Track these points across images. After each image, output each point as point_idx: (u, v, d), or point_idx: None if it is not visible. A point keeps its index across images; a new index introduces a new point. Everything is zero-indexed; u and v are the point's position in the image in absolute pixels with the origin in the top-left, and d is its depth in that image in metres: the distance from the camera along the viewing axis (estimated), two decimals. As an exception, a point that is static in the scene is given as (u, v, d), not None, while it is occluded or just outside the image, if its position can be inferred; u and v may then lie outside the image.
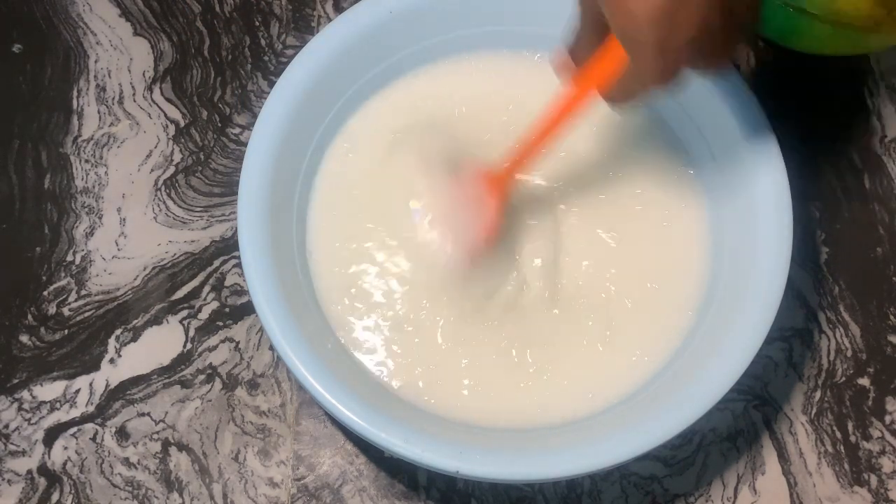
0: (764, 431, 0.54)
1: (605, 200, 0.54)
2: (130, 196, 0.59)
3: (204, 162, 0.60)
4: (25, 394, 0.54)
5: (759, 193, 0.49)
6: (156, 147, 0.60)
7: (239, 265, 0.56)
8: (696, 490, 0.53)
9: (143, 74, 0.62)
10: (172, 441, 0.53)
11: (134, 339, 0.55)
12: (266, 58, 0.63)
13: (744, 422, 0.54)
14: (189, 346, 0.55)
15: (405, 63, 0.55)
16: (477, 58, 0.56)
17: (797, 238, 0.48)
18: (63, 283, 0.57)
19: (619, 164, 0.55)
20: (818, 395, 0.55)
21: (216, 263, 0.57)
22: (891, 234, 0.59)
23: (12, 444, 0.53)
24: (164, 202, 0.59)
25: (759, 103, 0.50)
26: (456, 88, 0.56)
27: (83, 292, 0.57)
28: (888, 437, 0.54)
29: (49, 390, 0.54)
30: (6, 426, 0.54)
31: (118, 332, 0.56)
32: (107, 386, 0.54)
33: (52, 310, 0.56)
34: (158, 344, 0.55)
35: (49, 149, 0.60)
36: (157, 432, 0.53)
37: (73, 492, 0.52)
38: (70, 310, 0.56)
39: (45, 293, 0.57)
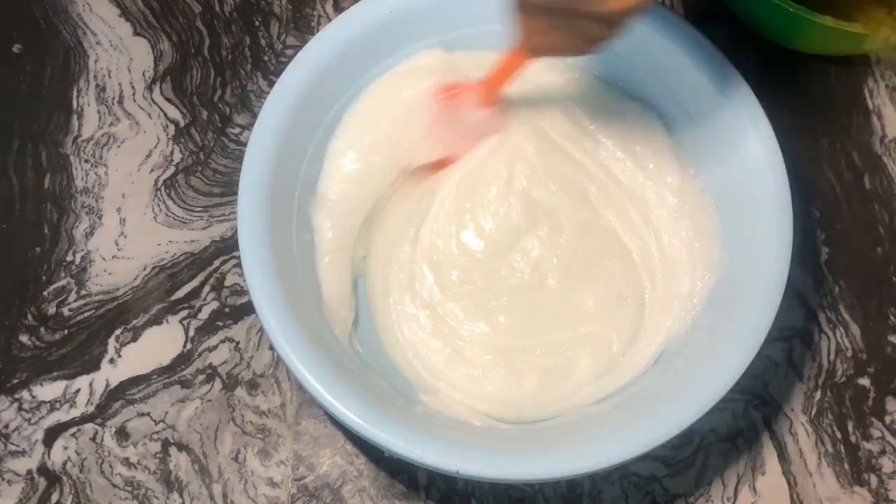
0: (764, 431, 0.54)
1: (605, 202, 0.54)
2: (130, 196, 0.59)
3: (204, 162, 0.60)
4: (25, 394, 0.54)
5: (759, 193, 0.49)
6: (156, 147, 0.60)
7: (239, 265, 0.56)
8: (696, 490, 0.53)
9: (143, 74, 0.62)
10: (172, 441, 0.53)
11: (134, 339, 0.55)
12: (266, 58, 0.63)
13: (744, 422, 0.54)
14: (189, 346, 0.55)
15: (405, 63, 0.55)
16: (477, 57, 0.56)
17: (797, 238, 0.48)
18: (63, 283, 0.57)
19: (618, 165, 0.55)
20: (818, 395, 0.55)
21: (216, 263, 0.57)
22: (891, 234, 0.59)
23: (12, 444, 0.53)
24: (164, 202, 0.59)
25: (759, 103, 0.51)
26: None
27: (83, 292, 0.57)
28: (888, 437, 0.54)
29: (49, 390, 0.54)
30: (6, 426, 0.54)
31: (118, 332, 0.56)
32: (107, 386, 0.54)
33: (52, 310, 0.56)
34: (158, 344, 0.55)
35: (49, 149, 0.60)
36: (157, 432, 0.53)
37: (73, 492, 0.52)
38: (70, 310, 0.56)
39: (45, 293, 0.57)
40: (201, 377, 0.55)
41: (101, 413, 0.54)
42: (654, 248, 0.53)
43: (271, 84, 0.54)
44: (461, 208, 0.52)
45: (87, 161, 0.60)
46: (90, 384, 0.54)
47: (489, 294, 0.51)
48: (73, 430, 0.53)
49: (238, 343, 0.55)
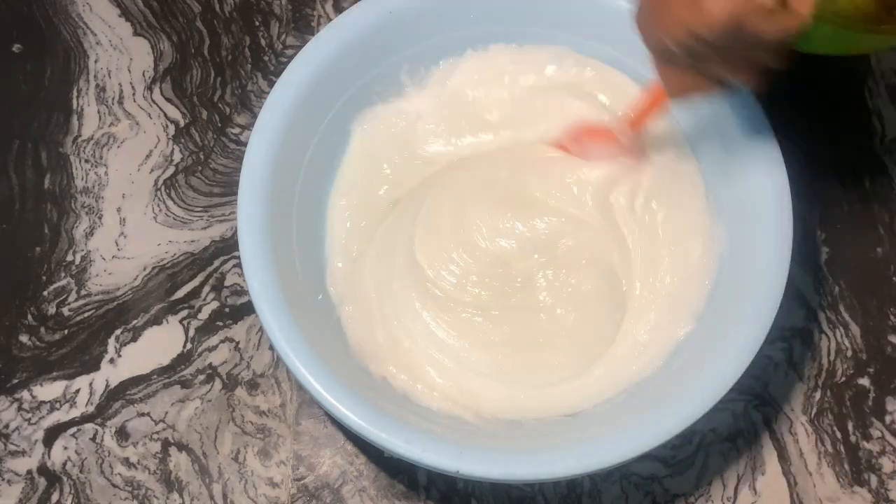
0: (764, 431, 0.54)
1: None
2: (130, 196, 0.59)
3: (204, 162, 0.60)
4: (25, 394, 0.54)
5: (760, 193, 0.49)
6: (156, 147, 0.60)
7: (239, 265, 0.56)
8: (696, 490, 0.53)
9: (143, 74, 0.62)
10: (172, 441, 0.53)
11: (134, 339, 0.55)
12: (266, 58, 0.63)
13: (744, 422, 0.54)
14: (189, 346, 0.55)
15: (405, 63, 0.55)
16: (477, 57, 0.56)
17: (797, 238, 0.48)
18: (63, 283, 0.57)
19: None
20: (818, 395, 0.55)
21: (216, 263, 0.57)
22: (891, 234, 0.59)
23: (12, 444, 0.53)
24: (164, 202, 0.59)
25: (759, 103, 0.51)
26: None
27: (83, 292, 0.57)
28: (888, 437, 0.54)
29: (49, 390, 0.54)
30: (6, 426, 0.54)
31: (118, 332, 0.56)
32: (107, 386, 0.54)
33: (52, 310, 0.56)
34: (158, 344, 0.55)
35: (49, 149, 0.60)
36: (157, 432, 0.53)
37: (73, 492, 0.52)
38: (70, 310, 0.56)
39: (45, 293, 0.57)
40: (201, 377, 0.55)
41: (101, 413, 0.54)
42: (644, 249, 0.53)
43: (271, 84, 0.54)
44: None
45: (87, 161, 0.60)
46: (90, 384, 0.54)
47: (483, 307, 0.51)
48: (73, 430, 0.54)
49: (238, 343, 0.55)
